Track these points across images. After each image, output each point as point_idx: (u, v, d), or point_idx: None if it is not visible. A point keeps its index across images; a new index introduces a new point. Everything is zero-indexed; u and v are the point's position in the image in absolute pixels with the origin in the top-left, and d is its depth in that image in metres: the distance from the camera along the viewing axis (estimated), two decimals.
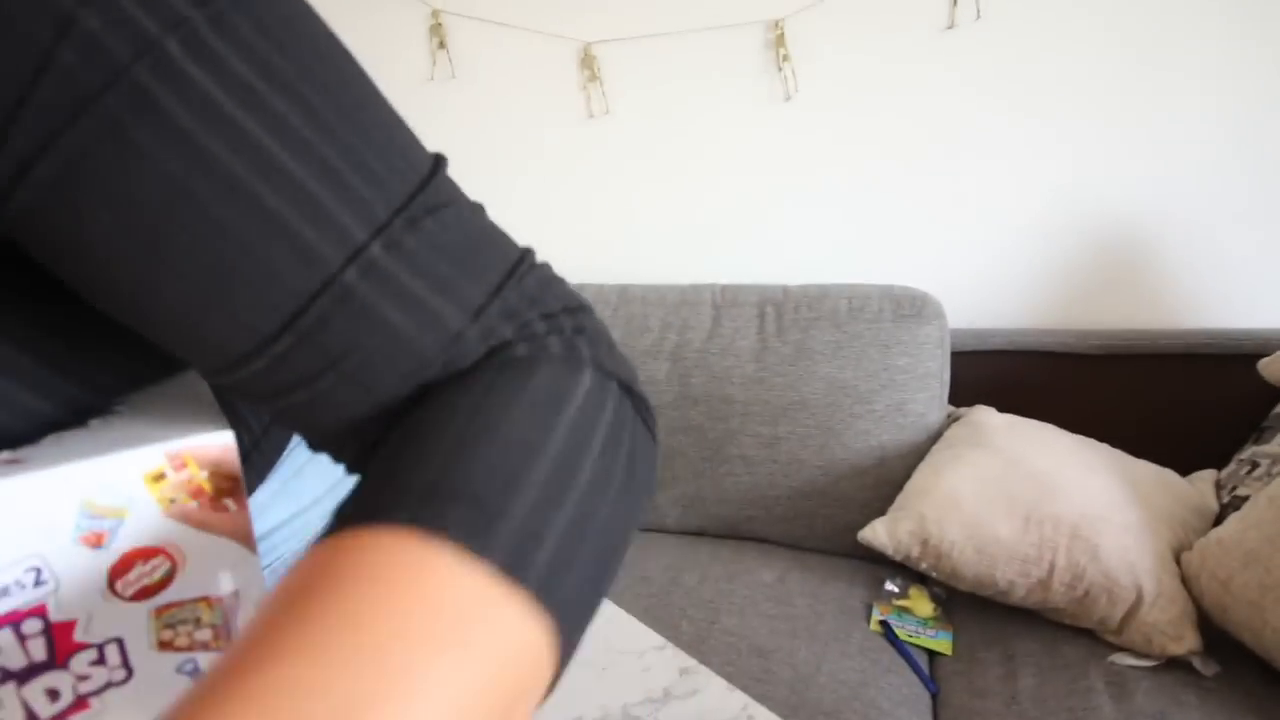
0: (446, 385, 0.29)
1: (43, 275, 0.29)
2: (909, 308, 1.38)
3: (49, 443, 0.29)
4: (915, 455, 1.33)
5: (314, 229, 0.26)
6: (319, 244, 0.26)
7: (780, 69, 1.51)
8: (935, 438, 1.35)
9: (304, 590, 0.21)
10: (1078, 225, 1.44)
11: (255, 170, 0.25)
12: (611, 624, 0.68)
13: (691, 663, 0.63)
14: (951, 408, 1.42)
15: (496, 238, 0.32)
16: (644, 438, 0.33)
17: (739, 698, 0.58)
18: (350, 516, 0.24)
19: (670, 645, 0.65)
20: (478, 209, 0.32)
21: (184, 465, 0.29)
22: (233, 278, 0.26)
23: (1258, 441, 1.20)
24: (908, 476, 1.30)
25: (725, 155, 1.61)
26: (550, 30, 1.61)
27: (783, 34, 1.48)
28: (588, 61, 1.61)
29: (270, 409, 0.30)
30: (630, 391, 0.33)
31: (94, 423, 0.31)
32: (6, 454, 0.28)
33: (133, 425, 0.30)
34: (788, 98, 1.53)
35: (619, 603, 1.23)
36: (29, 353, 0.30)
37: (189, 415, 0.31)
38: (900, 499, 1.25)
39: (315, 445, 0.32)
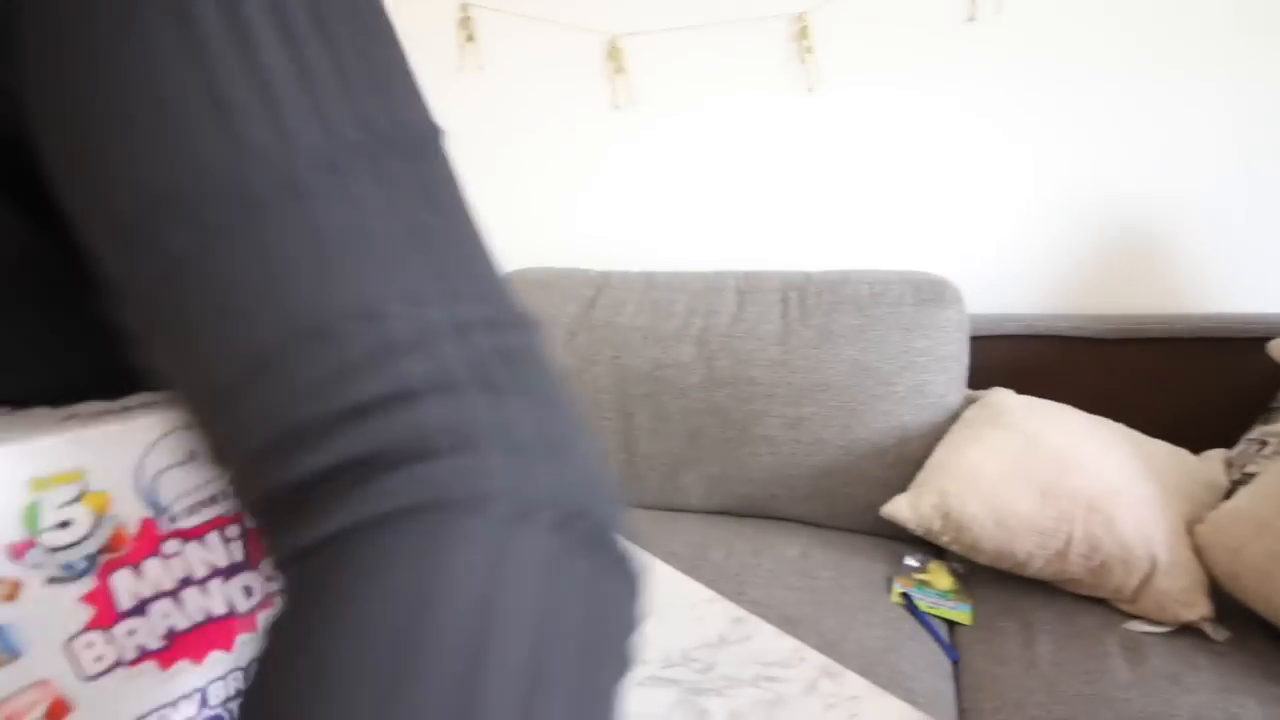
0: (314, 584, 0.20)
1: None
2: (929, 293, 1.43)
3: None
4: (935, 435, 1.37)
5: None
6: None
7: (803, 61, 1.55)
8: (954, 418, 1.39)
9: None
10: (1093, 213, 1.48)
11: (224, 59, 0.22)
12: (663, 579, 0.73)
13: (742, 612, 0.67)
14: (970, 390, 1.47)
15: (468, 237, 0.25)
16: (606, 591, 0.23)
17: (790, 641, 0.62)
18: None
19: (720, 597, 0.70)
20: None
21: None
22: (165, 139, 0.22)
23: (1267, 421, 1.25)
24: (927, 456, 1.34)
25: (749, 146, 1.65)
26: (577, 23, 1.65)
27: (806, 26, 1.52)
28: (614, 54, 1.65)
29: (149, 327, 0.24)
30: (579, 516, 0.22)
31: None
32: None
33: None
34: (810, 89, 1.57)
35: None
36: None
37: None
38: (922, 475, 1.29)
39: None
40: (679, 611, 0.68)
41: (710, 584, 1.31)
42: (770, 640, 0.63)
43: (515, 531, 0.20)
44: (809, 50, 1.53)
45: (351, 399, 0.21)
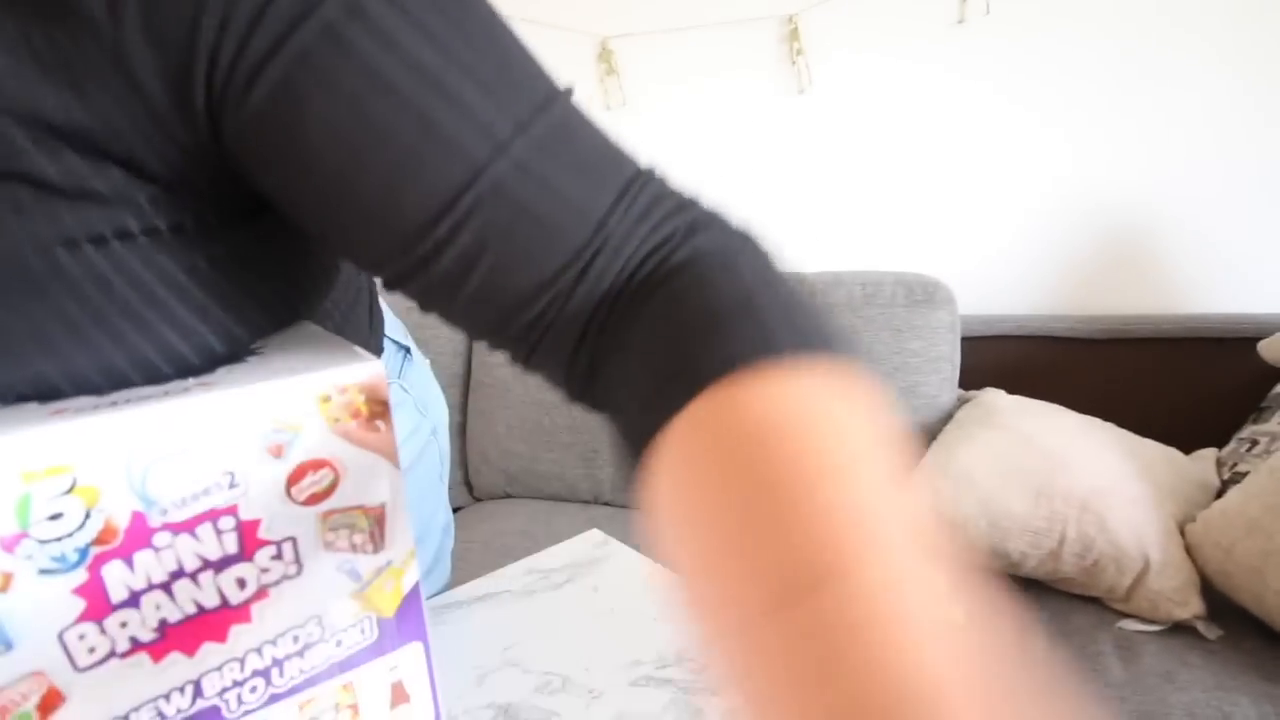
0: (659, 293, 0.31)
1: (207, 220, 0.34)
2: (921, 294, 1.43)
3: (223, 373, 0.34)
4: (927, 436, 1.38)
5: (469, 128, 0.30)
6: (473, 141, 0.30)
7: (794, 62, 1.56)
8: (947, 419, 1.40)
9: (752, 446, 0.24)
10: (1083, 214, 1.49)
11: (430, 72, 0.30)
12: (659, 581, 0.73)
13: None
14: (962, 391, 1.47)
15: (619, 151, 0.35)
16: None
17: None
18: (689, 383, 0.26)
19: None
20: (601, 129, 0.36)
21: (346, 390, 0.33)
22: (406, 165, 0.30)
23: (1257, 421, 1.25)
24: (920, 457, 1.35)
25: (740, 147, 1.65)
26: (568, 25, 1.66)
27: (797, 28, 1.52)
28: (605, 55, 1.65)
29: (435, 304, 0.34)
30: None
31: (251, 359, 0.36)
32: (195, 380, 0.33)
33: (286, 360, 0.35)
34: (801, 90, 1.57)
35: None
36: (183, 299, 0.35)
37: (332, 350, 0.36)
38: (914, 476, 1.29)
39: (495, 344, 0.36)
40: (674, 612, 0.68)
41: None
42: None
43: (744, 241, 0.34)
44: (799, 52, 1.54)
45: (654, 220, 0.33)
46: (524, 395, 1.64)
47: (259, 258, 0.39)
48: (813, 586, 0.19)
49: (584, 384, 0.34)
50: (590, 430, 1.59)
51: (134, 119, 0.30)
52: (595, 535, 0.73)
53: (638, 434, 0.28)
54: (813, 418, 0.24)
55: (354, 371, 0.33)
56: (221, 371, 0.34)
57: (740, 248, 0.34)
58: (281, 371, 0.33)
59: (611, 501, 1.61)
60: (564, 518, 1.54)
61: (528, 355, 0.35)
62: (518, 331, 0.34)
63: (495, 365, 1.67)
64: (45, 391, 0.33)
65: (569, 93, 0.34)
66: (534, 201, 0.31)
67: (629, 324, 0.31)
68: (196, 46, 0.28)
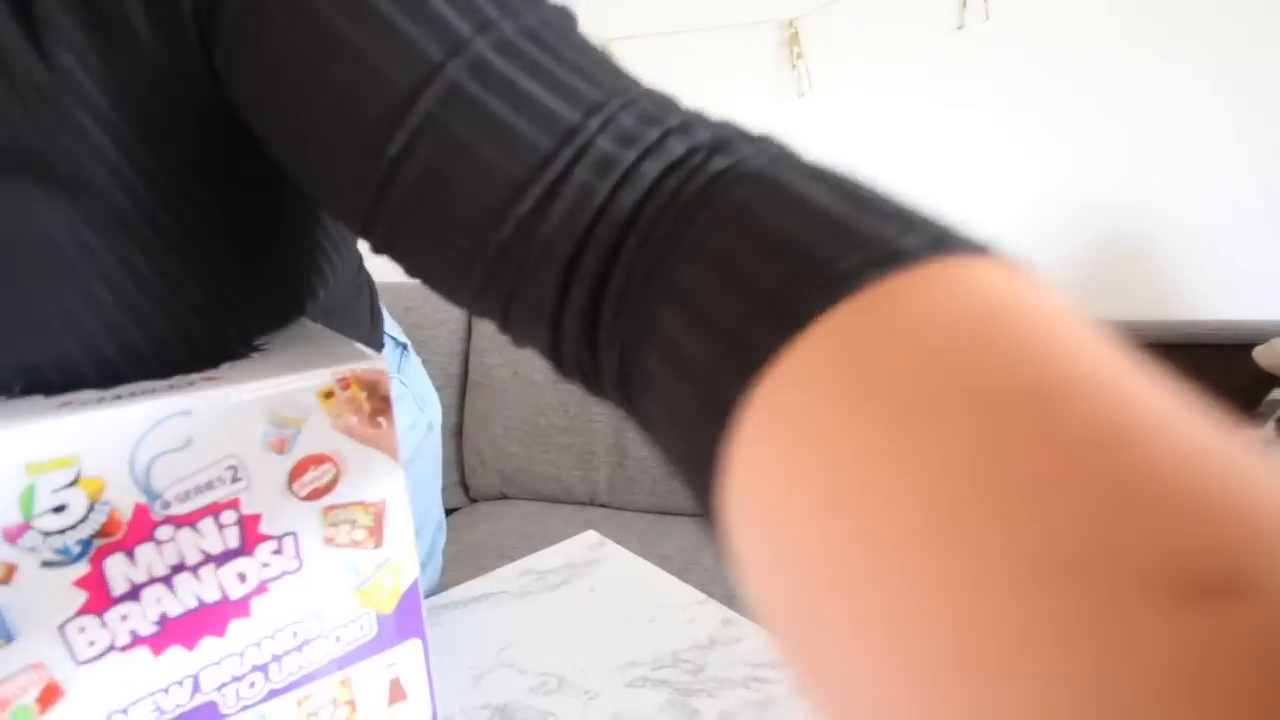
0: (701, 215, 0.23)
1: (209, 210, 0.34)
2: None
3: (226, 368, 0.34)
4: None
5: (426, 29, 0.26)
6: (429, 42, 0.26)
7: (794, 66, 1.56)
8: None
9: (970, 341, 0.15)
10: (1079, 220, 1.50)
11: None
12: (655, 583, 0.73)
13: (732, 614, 0.67)
14: None
15: (615, 68, 0.29)
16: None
17: None
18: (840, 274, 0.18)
19: (711, 600, 0.70)
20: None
21: (348, 386, 0.33)
22: (360, 73, 0.27)
23: (1251, 426, 1.26)
24: None
25: None
26: None
27: (797, 32, 1.53)
28: None
29: (409, 256, 0.29)
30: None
31: (256, 355, 0.36)
32: (200, 374, 0.33)
33: (290, 355, 0.35)
34: (801, 94, 1.58)
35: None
36: (179, 292, 0.35)
37: (335, 347, 0.36)
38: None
39: (474, 298, 0.30)
40: (669, 613, 0.68)
41: (701, 587, 1.31)
42: (760, 642, 0.63)
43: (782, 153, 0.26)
44: (800, 55, 1.54)
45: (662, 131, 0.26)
46: (521, 397, 1.64)
47: (259, 252, 0.39)
48: (1230, 585, 0.11)
49: (582, 342, 0.26)
50: (586, 432, 1.59)
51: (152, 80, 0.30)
52: (591, 536, 0.73)
53: (720, 373, 0.19)
54: (1045, 308, 0.17)
55: (357, 367, 0.33)
56: (225, 367, 0.34)
57: (795, 161, 0.25)
58: (285, 367, 0.33)
59: (608, 503, 1.61)
60: (559, 519, 1.54)
61: (505, 308, 0.27)
62: (485, 275, 0.27)
63: (493, 366, 1.67)
64: (34, 381, 0.33)
65: (561, 9, 0.30)
66: (492, 107, 0.26)
67: (661, 254, 0.23)
68: None
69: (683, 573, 1.31)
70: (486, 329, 1.64)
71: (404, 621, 0.37)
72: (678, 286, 0.21)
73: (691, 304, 0.21)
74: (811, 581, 0.15)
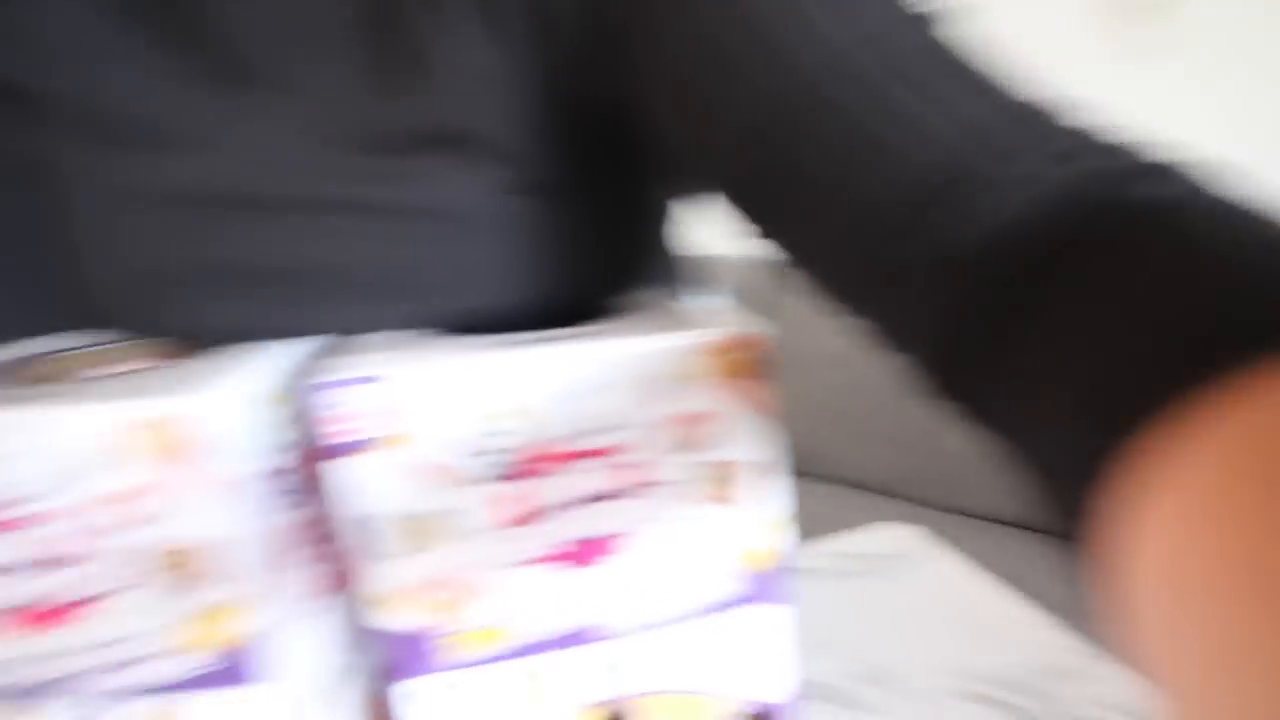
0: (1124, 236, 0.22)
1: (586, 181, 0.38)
2: None
3: (608, 325, 0.36)
4: None
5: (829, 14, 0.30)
6: (832, 29, 0.30)
7: None
8: None
9: None
10: None
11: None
12: (985, 592, 0.67)
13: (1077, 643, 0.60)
14: None
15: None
16: None
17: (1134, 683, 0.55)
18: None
19: (1059, 625, 0.63)
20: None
21: (732, 348, 0.34)
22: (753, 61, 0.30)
23: None
24: None
25: None
26: None
27: None
28: None
29: (785, 223, 0.32)
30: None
31: (633, 316, 0.38)
32: (571, 330, 0.35)
33: (662, 319, 0.36)
34: None
35: None
36: (601, 255, 0.39)
37: (701, 314, 0.37)
38: None
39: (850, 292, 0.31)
40: (1005, 628, 0.62)
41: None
42: (1117, 684, 0.56)
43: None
44: None
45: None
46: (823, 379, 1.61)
47: (635, 223, 0.42)
48: None
49: (971, 348, 0.25)
50: (896, 417, 1.53)
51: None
52: (906, 530, 0.69)
53: (1125, 399, 0.18)
54: None
55: (739, 330, 0.34)
56: (611, 322, 0.36)
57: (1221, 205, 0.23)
58: (669, 326, 0.34)
59: (906, 496, 1.53)
60: (852, 507, 1.50)
61: (888, 297, 0.28)
62: (867, 252, 0.28)
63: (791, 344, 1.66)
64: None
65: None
66: (898, 93, 0.28)
67: (1076, 266, 0.22)
68: None
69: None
70: (788, 307, 1.63)
71: (774, 585, 0.37)
72: (1099, 301, 0.21)
73: (1106, 312, 0.20)
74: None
